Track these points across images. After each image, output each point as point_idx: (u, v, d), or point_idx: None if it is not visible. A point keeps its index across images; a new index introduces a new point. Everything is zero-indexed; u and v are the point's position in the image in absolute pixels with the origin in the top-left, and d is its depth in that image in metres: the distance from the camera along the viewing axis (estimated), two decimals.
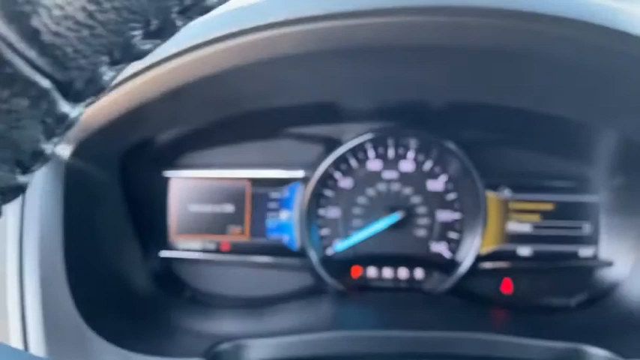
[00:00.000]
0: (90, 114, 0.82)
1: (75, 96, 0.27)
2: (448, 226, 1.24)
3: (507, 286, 1.24)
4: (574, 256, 1.25)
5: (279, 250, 1.24)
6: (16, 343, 0.77)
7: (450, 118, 1.16)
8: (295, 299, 1.19)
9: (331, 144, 1.22)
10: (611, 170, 1.22)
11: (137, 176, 1.12)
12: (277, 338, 0.95)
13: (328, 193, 1.25)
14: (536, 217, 1.24)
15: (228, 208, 1.25)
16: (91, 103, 0.29)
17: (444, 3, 0.68)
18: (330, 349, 0.93)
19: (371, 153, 1.24)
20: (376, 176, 1.25)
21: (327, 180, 1.24)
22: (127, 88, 0.77)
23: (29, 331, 0.78)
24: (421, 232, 1.24)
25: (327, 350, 0.92)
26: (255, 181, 1.25)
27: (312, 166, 1.22)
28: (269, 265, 1.23)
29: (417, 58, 0.78)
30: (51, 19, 0.23)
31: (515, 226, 1.24)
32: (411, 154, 1.24)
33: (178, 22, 0.27)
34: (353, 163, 1.24)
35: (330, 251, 1.25)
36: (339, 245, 1.24)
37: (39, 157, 0.28)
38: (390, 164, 1.25)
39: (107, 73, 0.28)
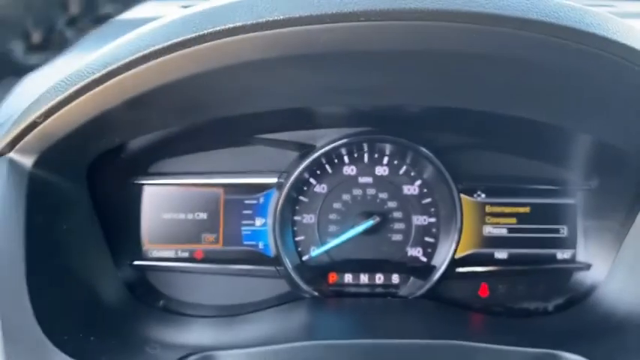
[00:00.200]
0: (51, 123, 0.80)
1: None
2: (424, 230, 1.24)
3: (484, 290, 1.23)
4: (552, 258, 1.24)
5: (253, 257, 1.23)
6: None
7: (424, 123, 1.15)
8: (270, 307, 1.17)
9: (305, 149, 1.21)
10: (586, 173, 1.21)
11: (107, 185, 1.10)
12: (250, 349, 0.93)
13: (303, 198, 1.23)
14: (512, 221, 1.24)
15: (202, 215, 1.23)
16: None
17: (409, 6, 0.67)
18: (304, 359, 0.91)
19: (346, 158, 1.23)
20: (351, 181, 1.24)
21: (301, 186, 1.22)
22: (87, 96, 0.75)
23: None
24: (397, 237, 1.23)
25: None
26: (229, 188, 1.23)
27: (286, 172, 1.20)
28: (244, 272, 1.22)
29: (383, 64, 0.76)
30: None
31: (491, 230, 1.23)
32: (385, 159, 1.23)
33: (68, 34, 0.25)
34: (328, 168, 1.23)
35: (305, 258, 1.23)
36: (315, 251, 1.23)
37: None
38: (365, 169, 1.24)
39: None
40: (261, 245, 1.23)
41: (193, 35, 0.68)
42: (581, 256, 1.23)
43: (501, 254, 1.24)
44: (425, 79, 0.84)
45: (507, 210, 1.24)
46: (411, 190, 1.24)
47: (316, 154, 1.18)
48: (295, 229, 1.23)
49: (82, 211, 1.03)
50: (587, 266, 1.20)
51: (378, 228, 1.22)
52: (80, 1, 0.24)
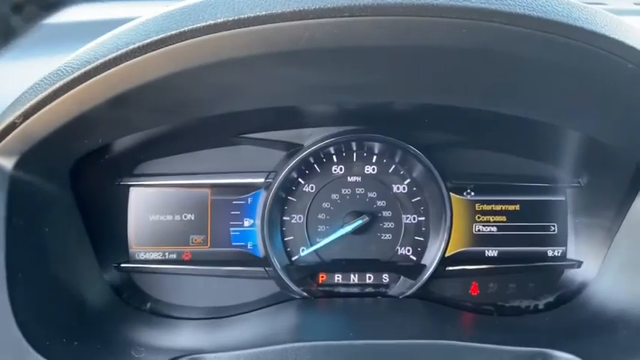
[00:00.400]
0: (31, 124, 0.78)
1: None
2: (413, 229, 1.23)
3: (474, 289, 1.22)
4: (542, 256, 1.24)
5: (242, 258, 1.21)
6: None
7: (413, 121, 1.14)
8: (259, 308, 1.16)
9: (293, 149, 1.20)
10: (576, 170, 1.21)
11: (92, 186, 1.08)
12: (238, 351, 0.92)
13: (291, 198, 1.22)
14: (502, 219, 1.23)
15: (190, 216, 1.22)
16: None
17: (394, 1, 0.65)
18: None
19: (334, 157, 1.22)
20: (340, 180, 1.22)
21: (289, 185, 1.21)
22: (67, 96, 0.73)
23: None
24: (386, 236, 1.22)
25: None
26: (217, 189, 1.22)
27: (274, 172, 1.19)
28: (232, 274, 1.20)
29: (369, 61, 0.75)
30: None
31: (481, 228, 1.23)
32: (374, 158, 1.22)
33: (13, 21, 0.24)
34: (316, 167, 1.22)
35: (294, 258, 1.22)
36: (304, 251, 1.22)
37: None
38: (354, 168, 1.23)
39: None
40: (249, 246, 1.21)
41: (173, 32, 0.66)
42: (572, 253, 1.22)
43: (492, 252, 1.23)
44: (412, 75, 0.83)
45: (497, 208, 1.23)
46: (400, 188, 1.23)
47: (304, 154, 1.17)
48: (284, 229, 1.22)
49: (65, 213, 1.01)
50: (578, 264, 1.20)
51: (368, 227, 1.21)
52: None
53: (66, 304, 0.95)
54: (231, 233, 1.22)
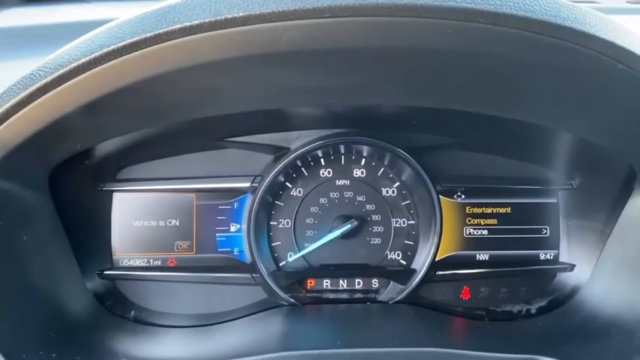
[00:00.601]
0: (3, 131, 0.75)
1: None
2: (403, 233, 1.21)
3: (466, 293, 1.20)
4: (534, 259, 1.22)
5: (228, 264, 1.19)
6: None
7: (401, 123, 1.12)
8: (246, 316, 1.14)
9: (280, 152, 1.17)
10: (567, 172, 1.19)
11: (73, 192, 1.06)
12: None
13: (278, 203, 1.20)
14: (493, 221, 1.21)
15: (174, 222, 1.19)
16: None
17: (377, 1, 0.63)
18: None
19: (322, 160, 1.20)
20: (328, 184, 1.20)
21: (276, 189, 1.19)
22: (40, 101, 0.70)
23: None
24: (376, 241, 1.20)
25: None
26: (202, 194, 1.19)
27: (260, 176, 1.17)
28: (218, 280, 1.18)
29: (353, 62, 0.72)
30: None
31: (472, 231, 1.21)
32: (363, 161, 1.20)
33: None
34: (303, 171, 1.20)
35: (282, 263, 1.20)
36: (292, 257, 1.20)
37: None
38: (342, 171, 1.20)
39: None
40: (236, 251, 1.19)
41: (149, 35, 0.64)
42: (564, 256, 1.21)
43: (483, 256, 1.21)
44: (398, 78, 0.80)
45: (488, 211, 1.21)
46: (389, 192, 1.21)
47: (291, 157, 1.15)
48: (271, 234, 1.20)
49: (45, 220, 0.98)
50: (571, 267, 1.18)
51: (357, 231, 1.19)
52: None
53: (44, 315, 0.92)
54: (217, 239, 1.19)
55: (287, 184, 1.19)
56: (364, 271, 1.20)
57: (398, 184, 1.20)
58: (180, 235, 1.19)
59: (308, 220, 1.20)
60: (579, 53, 0.67)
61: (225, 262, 1.19)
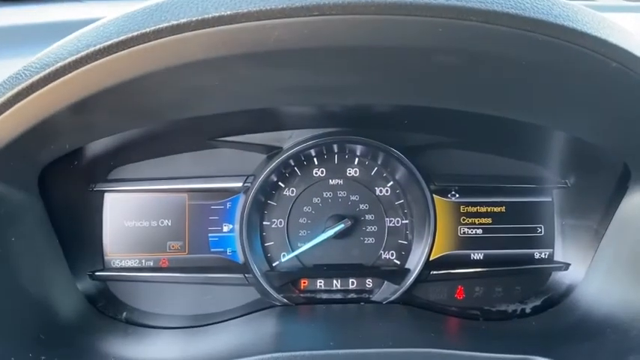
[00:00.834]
0: None
1: None
2: (397, 232, 1.20)
3: (460, 293, 1.20)
4: (529, 259, 1.21)
5: (221, 264, 1.18)
6: None
7: (395, 122, 1.11)
8: (239, 316, 1.13)
9: (272, 152, 1.17)
10: (562, 170, 1.18)
11: (63, 193, 1.05)
12: None
13: (271, 202, 1.19)
14: (487, 221, 1.21)
15: (167, 222, 1.18)
16: None
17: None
18: None
19: (315, 160, 1.19)
20: (321, 184, 1.20)
21: (269, 189, 1.18)
22: (26, 102, 0.70)
23: None
24: (369, 240, 1.20)
25: None
26: (194, 194, 1.18)
27: (252, 176, 1.16)
28: (211, 281, 1.17)
29: (342, 61, 0.72)
30: None
31: (466, 231, 1.20)
32: (356, 160, 1.20)
33: None
34: (296, 170, 1.19)
35: (275, 264, 1.19)
36: (285, 257, 1.19)
37: None
38: (336, 171, 1.20)
39: None
40: (228, 252, 1.18)
41: (135, 34, 0.63)
42: (559, 255, 1.20)
43: (477, 255, 1.20)
44: (389, 77, 0.79)
45: (482, 210, 1.21)
46: (383, 191, 1.20)
47: (284, 156, 1.14)
48: (264, 234, 1.19)
49: (34, 221, 0.97)
50: (566, 266, 1.17)
51: (350, 231, 1.18)
52: None
53: (34, 316, 0.91)
54: (210, 239, 1.19)
55: (280, 183, 1.18)
56: (358, 271, 1.19)
57: (391, 183, 1.20)
58: (173, 236, 1.18)
59: (301, 220, 1.19)
60: (572, 51, 0.67)
61: (218, 263, 1.18)
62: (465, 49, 0.68)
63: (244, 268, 1.16)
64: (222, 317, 1.13)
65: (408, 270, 1.17)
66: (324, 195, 1.19)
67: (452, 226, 1.20)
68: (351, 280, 1.20)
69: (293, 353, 0.86)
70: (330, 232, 1.16)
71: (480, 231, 1.20)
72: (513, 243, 1.21)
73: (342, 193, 1.19)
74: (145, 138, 1.06)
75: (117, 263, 1.17)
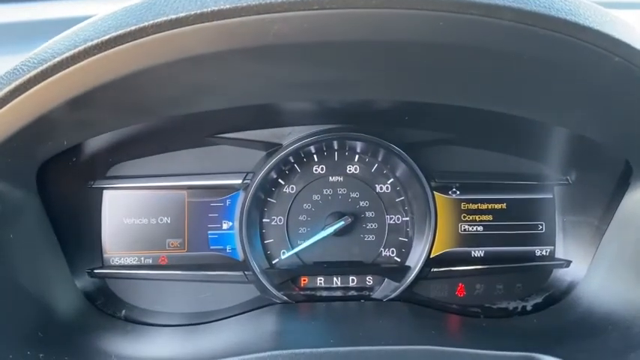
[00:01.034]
0: None
1: None
2: (397, 230, 1.19)
3: (461, 290, 1.19)
4: (530, 256, 1.21)
5: (221, 262, 1.18)
6: None
7: (395, 119, 1.11)
8: (239, 314, 1.12)
9: (272, 148, 1.16)
10: (563, 167, 1.18)
11: (62, 190, 1.04)
12: None
13: (271, 199, 1.18)
14: (488, 218, 1.20)
15: (166, 220, 1.18)
16: None
17: None
18: None
19: (315, 157, 1.18)
20: (321, 181, 1.19)
21: (269, 186, 1.17)
22: (23, 97, 0.69)
23: None
24: (370, 237, 1.19)
25: None
26: (193, 191, 1.18)
27: (252, 173, 1.15)
28: (211, 278, 1.17)
29: (343, 56, 0.71)
30: None
31: (467, 228, 1.20)
32: (356, 157, 1.19)
33: None
34: (296, 167, 1.18)
35: (275, 261, 1.19)
36: (285, 254, 1.19)
37: None
38: (336, 168, 1.19)
39: None
40: (228, 249, 1.18)
41: (134, 28, 0.62)
42: (560, 252, 1.20)
43: (478, 252, 1.20)
44: (389, 71, 0.79)
45: (483, 207, 1.20)
46: (383, 188, 1.19)
47: (283, 153, 1.13)
48: (264, 231, 1.19)
49: (32, 218, 0.96)
50: (567, 263, 1.17)
51: (350, 228, 1.18)
52: None
53: (32, 314, 0.90)
54: (209, 236, 1.18)
55: (279, 180, 1.18)
56: (358, 268, 1.19)
57: (392, 180, 1.19)
58: (172, 233, 1.18)
59: (301, 217, 1.19)
60: (574, 45, 0.66)
61: (218, 260, 1.18)
62: (465, 43, 0.67)
63: (244, 266, 1.16)
64: (222, 315, 1.13)
65: (409, 267, 1.17)
66: (324, 192, 1.19)
67: (452, 224, 1.20)
68: (351, 278, 1.19)
69: (293, 351, 0.86)
70: (330, 230, 1.16)
71: (480, 228, 1.20)
72: (514, 240, 1.20)
73: (342, 190, 1.19)
74: (144, 134, 1.06)
75: (116, 261, 1.17)
